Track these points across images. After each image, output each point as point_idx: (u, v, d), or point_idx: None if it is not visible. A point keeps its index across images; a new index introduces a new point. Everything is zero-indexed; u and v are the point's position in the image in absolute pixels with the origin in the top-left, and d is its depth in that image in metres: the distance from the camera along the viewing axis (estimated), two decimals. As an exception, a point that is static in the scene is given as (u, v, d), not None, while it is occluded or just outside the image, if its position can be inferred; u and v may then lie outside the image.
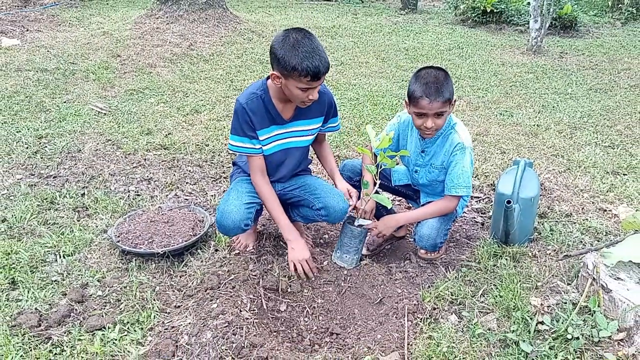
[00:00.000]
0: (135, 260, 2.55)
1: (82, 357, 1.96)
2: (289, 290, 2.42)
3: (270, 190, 2.42)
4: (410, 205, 3.06)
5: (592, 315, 2.05)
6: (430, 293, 2.34)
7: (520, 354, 1.95)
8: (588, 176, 3.58)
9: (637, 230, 2.36)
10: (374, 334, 2.20)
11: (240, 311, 2.18)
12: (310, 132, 2.49)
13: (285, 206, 2.70)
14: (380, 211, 2.74)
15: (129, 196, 3.23)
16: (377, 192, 2.50)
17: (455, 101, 2.41)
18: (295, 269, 2.38)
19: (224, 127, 4.38)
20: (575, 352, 1.93)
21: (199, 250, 2.65)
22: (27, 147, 3.80)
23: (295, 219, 2.67)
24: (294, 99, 2.24)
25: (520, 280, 2.34)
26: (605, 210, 3.10)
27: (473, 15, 9.70)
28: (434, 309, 2.26)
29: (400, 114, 2.67)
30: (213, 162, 3.77)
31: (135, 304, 2.26)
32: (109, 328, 2.10)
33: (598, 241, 2.74)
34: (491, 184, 3.50)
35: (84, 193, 3.23)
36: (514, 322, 2.09)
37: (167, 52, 6.73)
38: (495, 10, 9.53)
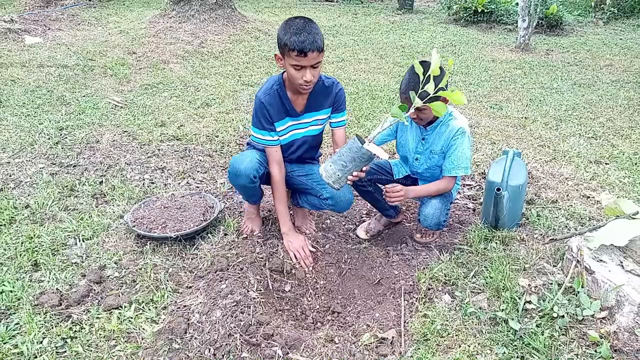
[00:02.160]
0: (150, 243, 2.53)
1: (100, 334, 1.95)
2: (293, 271, 2.40)
3: (281, 181, 2.45)
4: None
5: (576, 295, 2.04)
6: (425, 274, 2.32)
7: (509, 331, 1.93)
8: (572, 165, 3.54)
9: (618, 216, 2.33)
10: (373, 312, 2.18)
11: (248, 291, 2.17)
12: (320, 122, 2.49)
13: (294, 192, 2.69)
14: (383, 181, 2.70)
15: (143, 184, 3.21)
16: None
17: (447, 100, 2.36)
18: (295, 257, 2.41)
19: (233, 120, 4.34)
20: (561, 329, 1.91)
21: (209, 235, 2.63)
22: (49, 138, 3.76)
23: (302, 205, 2.66)
24: (293, 82, 2.23)
25: (509, 263, 2.32)
26: (589, 197, 3.07)
27: (465, 15, 9.61)
28: (429, 289, 2.24)
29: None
30: (222, 152, 3.73)
31: (149, 284, 2.24)
32: (125, 307, 2.09)
33: (582, 226, 2.71)
34: (482, 173, 3.46)
35: (102, 181, 3.20)
36: (504, 302, 2.08)
37: (180, 49, 6.67)
38: (485, 10, 9.44)
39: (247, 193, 2.50)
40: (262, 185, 2.54)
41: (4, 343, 1.88)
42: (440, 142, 2.49)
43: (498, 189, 2.43)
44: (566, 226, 2.72)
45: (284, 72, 2.29)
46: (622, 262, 2.06)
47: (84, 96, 4.77)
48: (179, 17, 7.86)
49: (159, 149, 3.73)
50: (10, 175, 3.19)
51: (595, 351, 1.81)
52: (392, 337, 1.98)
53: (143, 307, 2.11)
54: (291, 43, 2.07)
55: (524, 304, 2.04)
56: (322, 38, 2.15)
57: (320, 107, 2.43)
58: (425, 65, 1.98)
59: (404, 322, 2.07)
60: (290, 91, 2.34)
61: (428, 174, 2.66)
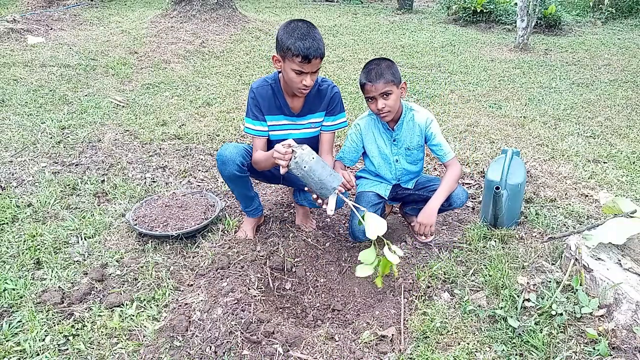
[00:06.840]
0: (151, 242, 2.53)
1: (101, 332, 1.94)
2: (294, 270, 2.40)
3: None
4: (404, 209, 2.86)
5: (574, 293, 2.03)
6: (425, 272, 2.31)
7: (508, 329, 1.93)
8: (571, 164, 3.54)
9: (616, 215, 2.33)
10: (373, 310, 2.17)
11: (249, 289, 2.16)
12: (315, 125, 2.46)
13: (294, 190, 2.69)
14: (384, 209, 2.66)
15: (145, 182, 3.20)
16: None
17: (405, 84, 2.40)
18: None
19: (234, 119, 4.34)
20: (559, 327, 1.91)
21: (210, 233, 2.62)
22: (51, 137, 3.76)
23: (301, 203, 2.65)
24: (291, 85, 2.21)
25: (508, 261, 2.32)
26: (587, 196, 3.07)
27: (464, 15, 9.60)
28: (428, 287, 2.24)
29: (357, 121, 2.59)
30: (223, 151, 3.73)
31: (151, 282, 2.24)
32: (126, 305, 2.09)
33: (580, 224, 2.71)
34: (481, 172, 3.46)
35: (104, 180, 3.20)
36: (502, 300, 2.07)
37: (181, 49, 6.66)
38: (484, 10, 9.43)
39: (241, 191, 2.49)
40: (260, 198, 2.51)
41: (7, 340, 1.88)
42: (414, 137, 2.49)
43: (497, 188, 2.42)
44: (565, 224, 2.72)
45: (280, 72, 2.28)
46: (620, 260, 2.05)
47: (85, 95, 4.77)
48: (181, 17, 7.85)
49: (160, 148, 3.73)
50: (12, 174, 3.19)
51: (594, 349, 1.80)
52: (392, 335, 1.97)
53: (144, 305, 2.10)
54: (295, 48, 2.05)
55: (523, 302, 2.03)
56: (324, 44, 2.14)
57: (315, 110, 2.42)
58: None
59: (404, 320, 2.06)
60: (286, 92, 2.33)
61: (415, 170, 2.62)
